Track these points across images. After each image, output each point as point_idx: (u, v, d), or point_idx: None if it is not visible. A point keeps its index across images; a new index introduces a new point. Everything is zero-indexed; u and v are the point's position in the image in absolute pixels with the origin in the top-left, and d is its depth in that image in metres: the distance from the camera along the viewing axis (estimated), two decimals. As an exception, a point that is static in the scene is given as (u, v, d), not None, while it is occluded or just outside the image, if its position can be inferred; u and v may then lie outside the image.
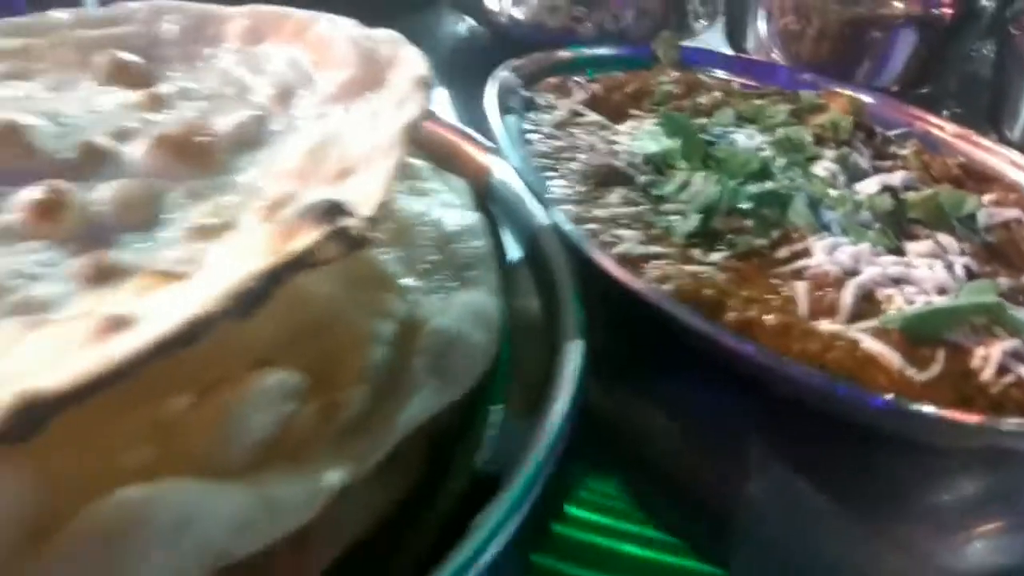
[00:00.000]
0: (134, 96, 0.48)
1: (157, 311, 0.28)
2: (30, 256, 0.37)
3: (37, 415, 0.24)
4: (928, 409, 0.34)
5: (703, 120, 0.55)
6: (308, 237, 0.32)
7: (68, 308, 0.34)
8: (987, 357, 0.37)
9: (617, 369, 0.42)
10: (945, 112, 0.67)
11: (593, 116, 0.56)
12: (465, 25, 0.91)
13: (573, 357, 0.38)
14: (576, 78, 0.61)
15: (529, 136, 0.54)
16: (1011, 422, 0.34)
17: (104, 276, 0.36)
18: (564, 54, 0.64)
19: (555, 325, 0.42)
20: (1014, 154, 0.55)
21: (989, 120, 0.66)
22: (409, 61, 0.46)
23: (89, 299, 0.35)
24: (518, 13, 0.81)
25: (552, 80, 0.60)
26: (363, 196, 0.37)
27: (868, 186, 0.48)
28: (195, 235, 0.39)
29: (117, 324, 0.28)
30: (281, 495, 0.30)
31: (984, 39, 0.69)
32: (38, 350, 0.29)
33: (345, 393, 0.34)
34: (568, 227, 0.42)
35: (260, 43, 0.52)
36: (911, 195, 0.47)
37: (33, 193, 0.38)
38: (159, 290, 0.32)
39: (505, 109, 0.55)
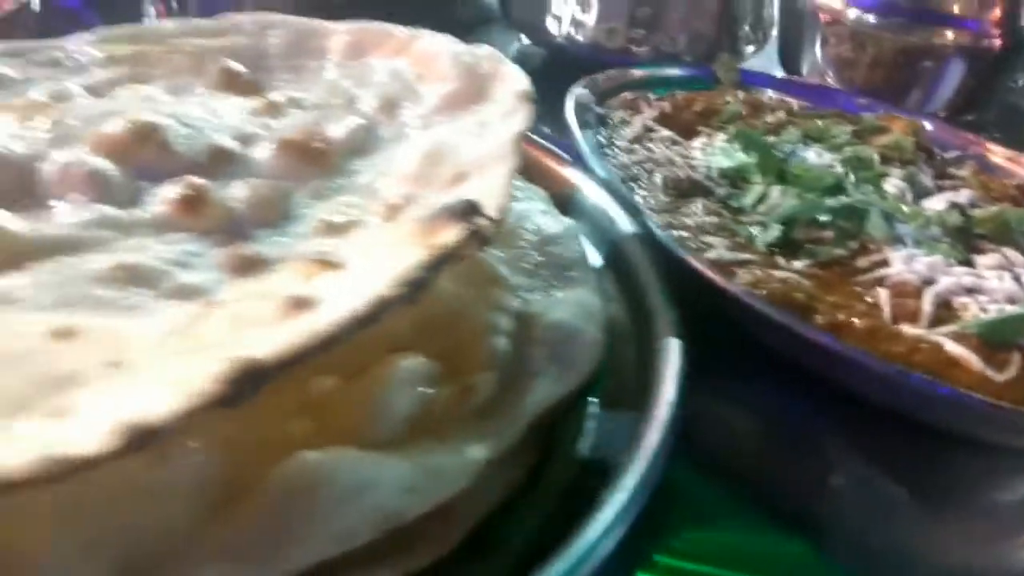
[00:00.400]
0: (250, 103, 0.51)
1: (335, 294, 0.31)
2: (178, 246, 0.40)
3: (252, 381, 0.27)
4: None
5: (771, 138, 0.58)
6: (452, 233, 0.35)
7: (221, 294, 0.37)
8: (1061, 359, 0.40)
9: (703, 372, 0.45)
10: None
11: (665, 132, 0.60)
12: (519, 44, 0.95)
13: (673, 356, 0.41)
14: (648, 94, 0.64)
15: (606, 150, 0.57)
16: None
17: (248, 266, 0.39)
18: (636, 72, 0.67)
19: (648, 327, 0.45)
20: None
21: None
22: (511, 76, 0.50)
23: (239, 286, 0.38)
24: (577, 34, 0.84)
25: (625, 96, 0.63)
26: (486, 198, 0.40)
27: (935, 203, 0.51)
28: (324, 231, 0.43)
29: (300, 304, 0.31)
30: (439, 465, 0.33)
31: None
32: (224, 328, 0.32)
33: (475, 378, 0.37)
34: (661, 233, 0.45)
35: (363, 57, 0.56)
36: (977, 212, 0.50)
37: (176, 188, 0.42)
38: (321, 275, 0.35)
39: (581, 124, 0.58)
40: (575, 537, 0.32)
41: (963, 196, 0.52)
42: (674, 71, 0.70)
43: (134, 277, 0.37)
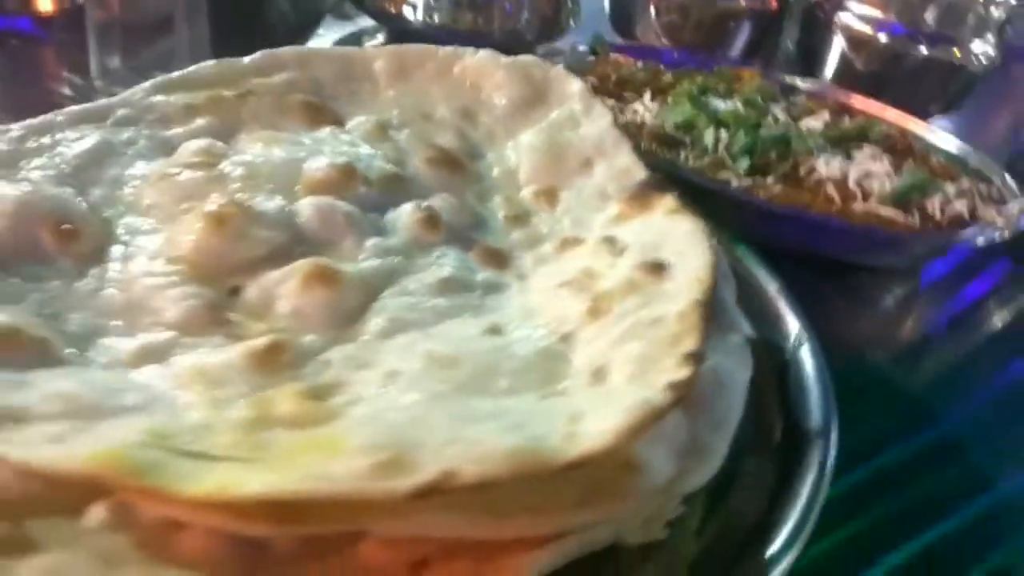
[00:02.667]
0: (361, 127, 0.57)
1: (674, 255, 0.44)
2: (449, 257, 0.49)
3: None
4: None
5: (689, 88, 0.79)
6: (667, 199, 0.50)
7: (511, 284, 0.48)
8: (933, 205, 0.68)
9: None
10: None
11: (609, 102, 0.77)
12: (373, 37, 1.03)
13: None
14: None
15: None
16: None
17: (495, 258, 0.50)
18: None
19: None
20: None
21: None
22: (564, 77, 0.63)
23: (510, 275, 0.48)
24: (430, 17, 0.96)
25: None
26: (627, 173, 0.55)
27: (812, 122, 0.77)
28: (513, 223, 0.54)
29: (656, 269, 0.44)
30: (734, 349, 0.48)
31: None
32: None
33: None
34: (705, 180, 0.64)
35: (408, 79, 0.63)
36: (844, 125, 0.77)
37: (411, 212, 0.50)
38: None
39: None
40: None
41: (824, 116, 0.78)
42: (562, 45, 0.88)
43: (458, 285, 0.46)
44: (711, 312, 0.40)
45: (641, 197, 0.52)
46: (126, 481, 0.29)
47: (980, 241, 0.65)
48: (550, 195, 0.56)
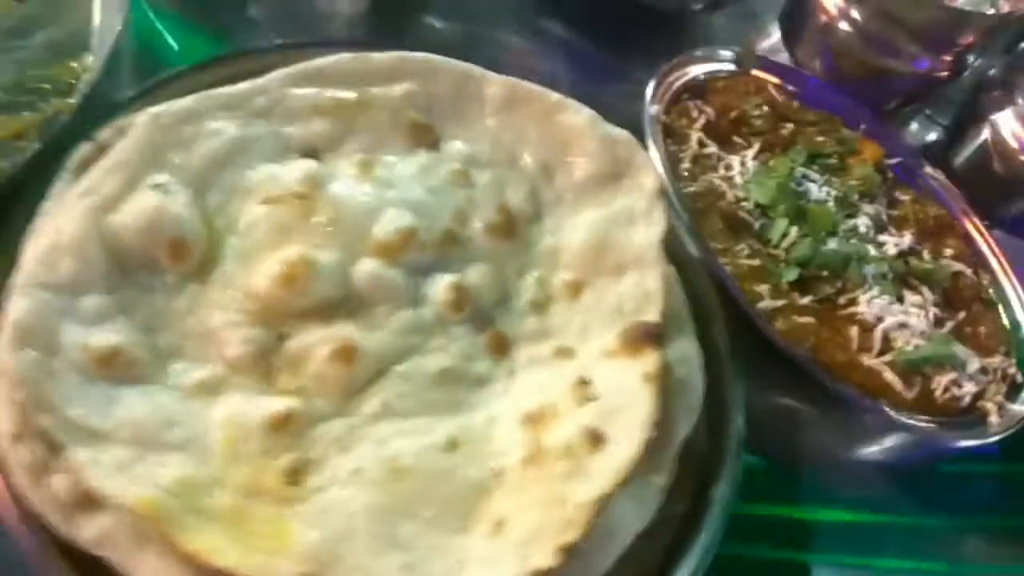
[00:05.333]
0: (444, 167, 0.65)
1: (618, 433, 0.55)
2: (460, 341, 0.60)
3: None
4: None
5: (790, 163, 0.80)
6: (654, 358, 0.58)
7: (497, 380, 0.59)
8: (939, 383, 0.72)
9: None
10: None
11: (712, 147, 0.80)
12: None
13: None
14: (695, 102, 0.82)
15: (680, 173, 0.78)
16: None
17: (499, 346, 0.61)
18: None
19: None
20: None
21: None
22: (644, 167, 0.67)
23: (501, 370, 0.60)
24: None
25: (678, 108, 0.82)
26: (646, 299, 0.62)
27: (889, 245, 0.78)
28: (531, 309, 0.64)
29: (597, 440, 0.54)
30: (645, 495, 0.59)
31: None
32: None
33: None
34: (735, 289, 0.70)
35: (512, 113, 0.69)
36: (914, 262, 0.78)
37: (443, 288, 0.60)
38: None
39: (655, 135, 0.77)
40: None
41: (906, 241, 0.79)
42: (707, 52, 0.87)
43: (451, 378, 0.58)
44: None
45: (637, 343, 0.60)
46: (155, 524, 0.46)
47: (959, 445, 0.70)
48: (577, 288, 0.65)
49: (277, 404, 0.53)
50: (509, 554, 0.50)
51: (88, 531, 0.47)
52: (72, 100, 0.65)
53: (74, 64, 0.70)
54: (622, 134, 0.69)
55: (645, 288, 0.64)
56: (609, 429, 0.55)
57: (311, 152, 0.64)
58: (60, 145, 0.60)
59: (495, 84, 0.70)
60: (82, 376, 0.50)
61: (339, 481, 0.51)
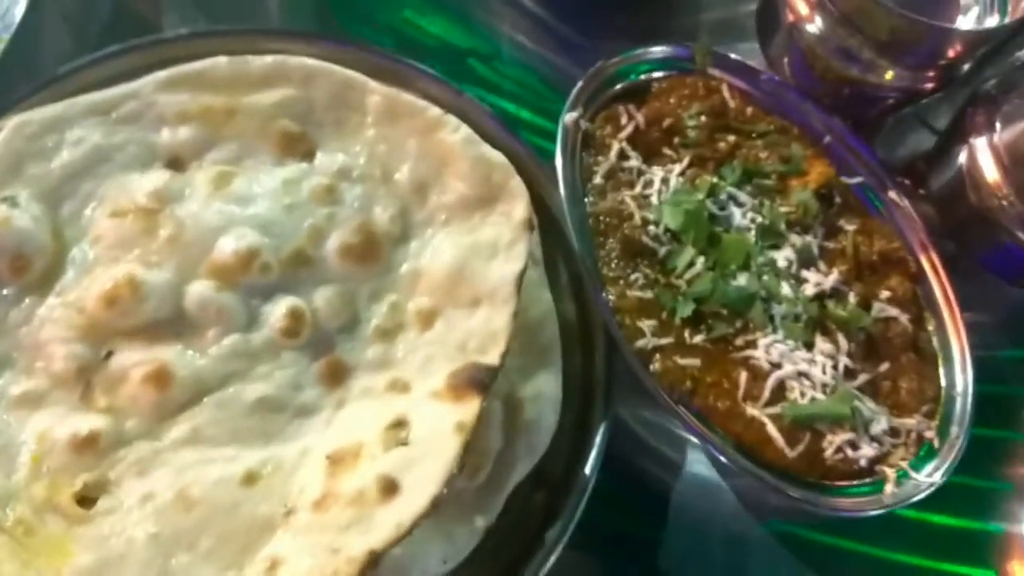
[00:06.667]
0: (311, 182, 0.65)
1: (412, 482, 0.54)
2: (289, 369, 0.61)
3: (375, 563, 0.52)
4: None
5: (714, 179, 0.74)
6: (473, 406, 0.57)
7: (323, 410, 0.60)
8: (832, 442, 0.67)
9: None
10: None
11: (633, 161, 0.74)
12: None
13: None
14: (627, 106, 0.76)
15: (585, 189, 0.73)
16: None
17: (336, 373, 0.62)
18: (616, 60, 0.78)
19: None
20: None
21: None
22: (516, 195, 0.64)
23: (331, 400, 0.60)
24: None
25: (606, 113, 0.76)
26: (493, 345, 0.60)
27: (809, 284, 0.71)
28: (380, 336, 0.63)
29: (390, 490, 0.55)
30: (460, 535, 0.60)
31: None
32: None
33: (482, 460, 0.62)
34: (611, 324, 0.66)
35: (394, 124, 0.66)
36: (830, 306, 0.71)
37: (280, 313, 0.61)
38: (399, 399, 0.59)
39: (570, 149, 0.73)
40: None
41: (830, 280, 0.71)
42: (656, 50, 0.79)
43: (270, 407, 0.59)
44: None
45: (461, 389, 0.58)
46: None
47: (844, 512, 0.65)
48: (429, 318, 0.64)
49: (86, 423, 0.56)
50: (273, 599, 0.52)
51: None
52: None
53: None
54: (497, 157, 0.66)
55: (492, 327, 0.62)
56: (405, 479, 0.55)
57: (176, 161, 0.65)
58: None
59: (377, 94, 0.67)
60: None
61: (128, 506, 0.54)
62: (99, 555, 0.52)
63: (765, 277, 0.71)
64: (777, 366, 0.68)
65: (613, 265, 0.70)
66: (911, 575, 0.77)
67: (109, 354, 0.58)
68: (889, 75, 0.76)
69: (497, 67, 0.93)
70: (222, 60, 0.66)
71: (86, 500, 0.54)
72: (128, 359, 0.58)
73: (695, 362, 0.67)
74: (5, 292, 0.58)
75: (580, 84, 0.75)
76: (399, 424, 0.58)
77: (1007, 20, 0.73)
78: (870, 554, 0.77)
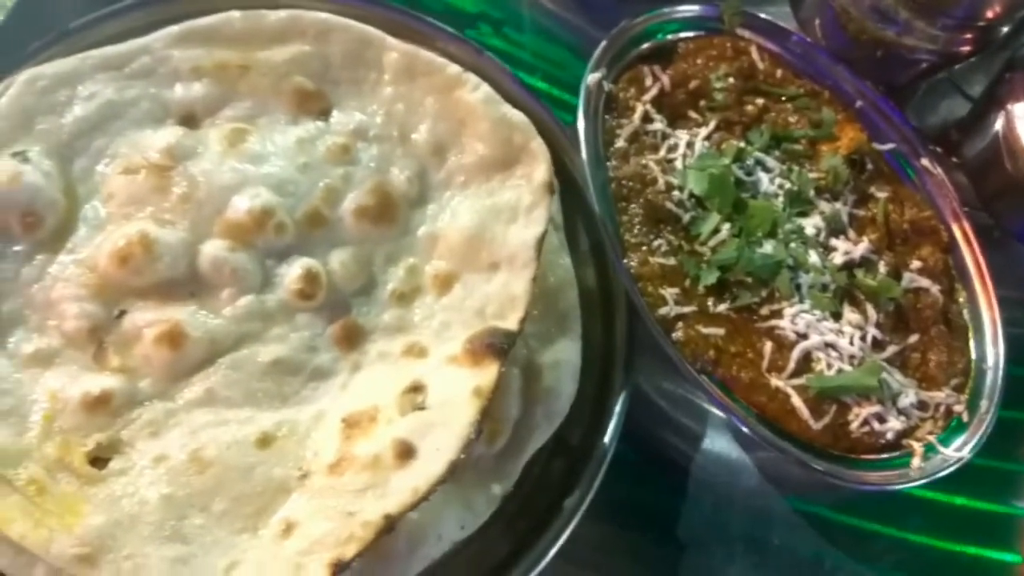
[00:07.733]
0: (327, 142, 0.63)
1: (429, 446, 0.53)
2: (305, 331, 0.59)
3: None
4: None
5: (741, 143, 0.72)
6: (491, 371, 0.56)
7: (338, 373, 0.59)
8: (858, 415, 0.65)
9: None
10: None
11: (657, 123, 0.72)
12: None
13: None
14: (652, 67, 0.74)
15: (606, 153, 0.71)
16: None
17: (350, 338, 0.60)
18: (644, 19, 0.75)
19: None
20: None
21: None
22: (539, 158, 0.62)
23: (346, 363, 0.59)
24: None
25: (630, 74, 0.73)
26: (513, 311, 0.59)
27: (838, 253, 0.69)
28: (397, 300, 0.62)
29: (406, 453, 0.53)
30: (477, 502, 0.58)
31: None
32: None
33: (500, 427, 0.60)
34: (633, 291, 0.65)
35: (412, 83, 0.64)
36: (860, 275, 0.69)
37: (296, 274, 0.59)
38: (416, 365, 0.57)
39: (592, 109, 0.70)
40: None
41: (860, 249, 0.69)
42: (683, 9, 0.77)
43: (285, 370, 0.58)
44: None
45: (479, 354, 0.57)
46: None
47: (870, 487, 0.63)
48: (447, 282, 0.62)
49: (98, 383, 0.55)
50: (284, 561, 0.51)
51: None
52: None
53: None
54: (518, 117, 0.64)
55: (511, 292, 0.61)
56: (422, 444, 0.54)
57: (189, 117, 0.63)
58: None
59: (395, 51, 0.65)
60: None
61: (141, 467, 0.53)
62: (111, 515, 0.51)
63: (792, 245, 0.69)
64: (803, 336, 0.67)
65: (635, 231, 0.68)
66: (933, 556, 0.76)
67: (122, 313, 0.57)
68: (925, 37, 0.73)
69: (508, 34, 0.90)
70: (236, 15, 0.65)
71: (99, 460, 0.53)
72: (141, 318, 0.57)
73: (719, 331, 0.66)
74: (17, 248, 0.57)
75: (604, 44, 0.73)
76: (416, 389, 0.57)
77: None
78: (892, 535, 0.76)
